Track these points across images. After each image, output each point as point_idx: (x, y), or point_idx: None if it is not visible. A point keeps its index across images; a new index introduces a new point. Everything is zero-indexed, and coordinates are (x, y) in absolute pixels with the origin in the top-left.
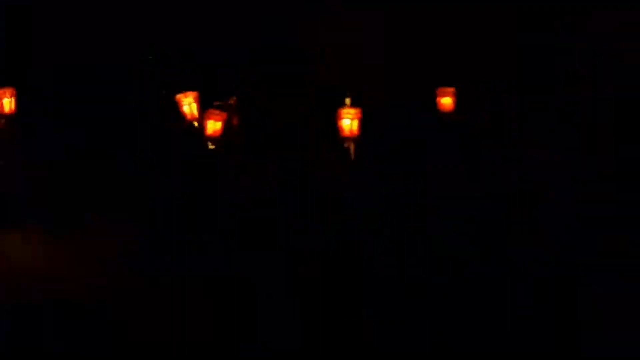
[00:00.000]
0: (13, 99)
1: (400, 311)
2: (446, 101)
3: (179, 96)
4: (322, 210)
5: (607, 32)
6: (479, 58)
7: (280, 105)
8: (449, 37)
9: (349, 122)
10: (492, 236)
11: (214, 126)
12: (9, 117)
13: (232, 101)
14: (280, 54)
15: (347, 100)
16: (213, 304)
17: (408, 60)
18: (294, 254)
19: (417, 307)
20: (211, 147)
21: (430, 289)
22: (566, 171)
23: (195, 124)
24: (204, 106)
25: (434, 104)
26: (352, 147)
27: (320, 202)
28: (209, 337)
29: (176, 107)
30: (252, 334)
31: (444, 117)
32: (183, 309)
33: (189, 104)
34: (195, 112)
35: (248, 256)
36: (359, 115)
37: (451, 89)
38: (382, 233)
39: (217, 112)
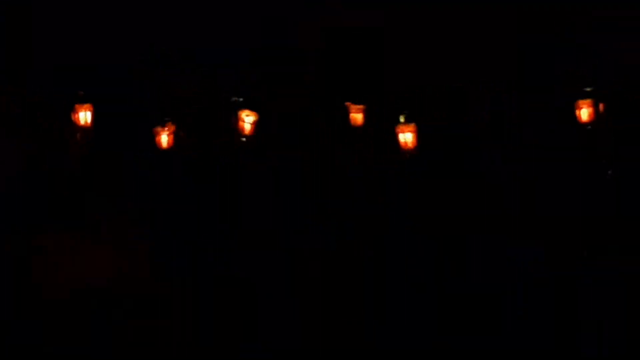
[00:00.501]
0: (89, 113)
1: (400, 311)
2: (357, 116)
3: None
4: (322, 211)
5: (607, 31)
6: (479, 58)
7: (280, 105)
8: (449, 38)
9: (410, 135)
10: (492, 236)
11: (167, 140)
12: (85, 130)
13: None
14: (280, 54)
15: (402, 118)
16: (213, 303)
17: (408, 61)
18: (294, 254)
19: (417, 307)
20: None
21: (430, 289)
22: (566, 171)
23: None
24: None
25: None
26: (407, 157)
27: (321, 204)
28: (209, 337)
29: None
30: (252, 333)
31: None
32: (184, 309)
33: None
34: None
35: (248, 256)
36: (415, 129)
37: (361, 106)
38: (383, 233)
39: (162, 128)
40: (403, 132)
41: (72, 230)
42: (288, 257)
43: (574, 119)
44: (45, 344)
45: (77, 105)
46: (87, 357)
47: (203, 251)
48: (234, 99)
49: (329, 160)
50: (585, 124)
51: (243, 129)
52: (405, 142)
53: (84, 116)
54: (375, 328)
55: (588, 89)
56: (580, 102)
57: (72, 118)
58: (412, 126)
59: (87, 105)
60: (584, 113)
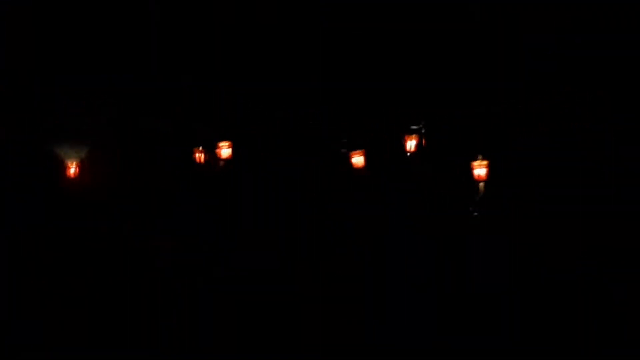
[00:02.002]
0: (230, 148)
1: (400, 311)
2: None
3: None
4: (322, 211)
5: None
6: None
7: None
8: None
9: (483, 170)
10: (492, 236)
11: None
12: (225, 161)
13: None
14: None
15: (480, 157)
16: (214, 303)
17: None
18: (294, 255)
19: (417, 307)
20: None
21: (430, 289)
22: (569, 170)
23: None
24: None
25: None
26: (482, 186)
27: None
28: (209, 337)
29: None
30: (252, 333)
31: None
32: (184, 309)
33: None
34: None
35: (248, 256)
36: (487, 164)
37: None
38: (383, 233)
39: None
40: (478, 167)
41: (72, 230)
42: (288, 257)
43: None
44: (45, 344)
45: (218, 144)
46: (88, 357)
47: (203, 251)
48: (344, 140)
49: (329, 161)
50: (410, 153)
51: (355, 164)
52: (479, 176)
53: (227, 151)
54: (375, 328)
55: (414, 127)
56: (407, 136)
57: (215, 152)
58: (485, 163)
59: (229, 143)
60: (410, 145)
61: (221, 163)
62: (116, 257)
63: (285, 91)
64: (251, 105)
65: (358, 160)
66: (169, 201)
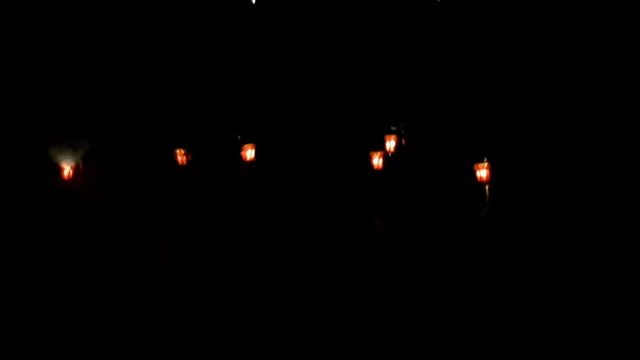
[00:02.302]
0: (253, 150)
1: (401, 311)
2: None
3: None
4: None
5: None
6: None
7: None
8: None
9: (485, 172)
10: (491, 236)
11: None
12: (249, 164)
13: None
14: None
15: (486, 160)
16: (214, 302)
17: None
18: (294, 254)
19: (417, 306)
20: None
21: (430, 289)
22: (568, 170)
23: None
24: None
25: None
26: (487, 188)
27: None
28: (210, 336)
29: None
30: (252, 333)
31: None
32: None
33: None
34: None
35: (248, 256)
36: (489, 166)
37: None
38: (382, 233)
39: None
40: (479, 169)
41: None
42: (288, 257)
43: None
44: (45, 344)
45: (243, 145)
46: (88, 357)
47: (203, 251)
48: (358, 143)
49: (329, 161)
50: (391, 153)
51: (377, 166)
52: (481, 177)
53: (250, 153)
54: (376, 328)
55: (393, 127)
56: (387, 136)
57: (240, 155)
58: (486, 164)
59: (252, 145)
60: (390, 145)
61: (245, 166)
62: (116, 257)
63: (286, 91)
64: (251, 105)
65: (379, 161)
66: (169, 201)
